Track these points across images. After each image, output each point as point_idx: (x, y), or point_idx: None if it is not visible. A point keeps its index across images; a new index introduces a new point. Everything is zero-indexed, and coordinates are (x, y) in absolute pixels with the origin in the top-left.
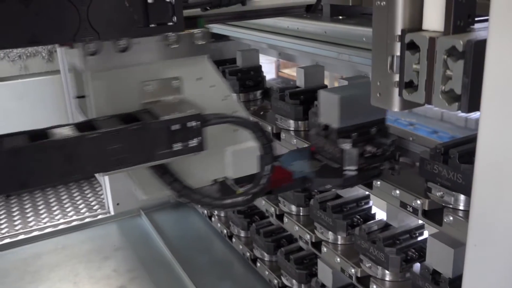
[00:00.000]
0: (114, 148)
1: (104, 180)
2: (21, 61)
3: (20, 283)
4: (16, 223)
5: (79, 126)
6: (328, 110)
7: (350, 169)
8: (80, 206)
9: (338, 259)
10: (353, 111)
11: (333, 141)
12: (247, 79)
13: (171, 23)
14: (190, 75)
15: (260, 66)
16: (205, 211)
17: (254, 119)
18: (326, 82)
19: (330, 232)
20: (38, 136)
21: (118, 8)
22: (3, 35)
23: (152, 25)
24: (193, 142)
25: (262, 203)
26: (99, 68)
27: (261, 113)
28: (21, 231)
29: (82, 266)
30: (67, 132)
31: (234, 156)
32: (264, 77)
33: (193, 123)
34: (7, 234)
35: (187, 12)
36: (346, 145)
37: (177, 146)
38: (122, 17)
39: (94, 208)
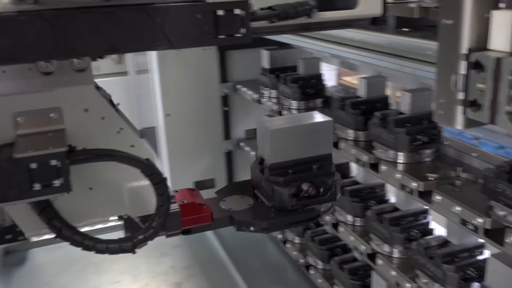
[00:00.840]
0: None
1: None
2: (94, 63)
3: (84, 272)
4: None
5: None
6: (263, 142)
7: (280, 211)
8: None
9: (393, 273)
10: (292, 145)
11: (266, 177)
12: (308, 87)
13: (239, 35)
14: (75, 106)
15: (321, 75)
16: None
17: (149, 156)
18: (388, 93)
19: (386, 245)
20: None
21: (191, 20)
22: (86, 44)
23: (221, 36)
24: (56, 182)
25: None
26: None
27: None
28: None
29: (142, 261)
30: None
31: (132, 193)
32: (325, 86)
33: (55, 162)
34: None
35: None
36: (278, 184)
37: (37, 186)
38: (194, 28)
39: None
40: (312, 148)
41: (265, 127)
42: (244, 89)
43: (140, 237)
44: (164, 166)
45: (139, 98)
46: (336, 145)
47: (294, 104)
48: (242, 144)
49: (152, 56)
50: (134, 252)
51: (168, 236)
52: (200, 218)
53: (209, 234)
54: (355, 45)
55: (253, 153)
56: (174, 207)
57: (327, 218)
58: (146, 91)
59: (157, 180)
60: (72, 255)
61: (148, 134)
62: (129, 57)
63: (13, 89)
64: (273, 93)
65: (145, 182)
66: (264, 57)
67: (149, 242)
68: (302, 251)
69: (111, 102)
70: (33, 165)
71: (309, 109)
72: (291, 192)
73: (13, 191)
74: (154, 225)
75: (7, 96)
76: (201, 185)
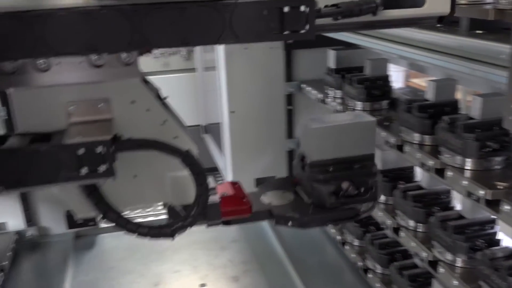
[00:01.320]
0: (13, 167)
1: (227, 174)
2: (164, 58)
3: (146, 260)
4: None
5: None
6: (305, 140)
7: (319, 208)
8: None
9: (455, 282)
10: (333, 143)
11: (306, 175)
12: (374, 88)
13: (303, 31)
14: (122, 98)
15: (388, 76)
16: None
17: (190, 147)
18: (458, 97)
19: (449, 253)
20: None
21: (257, 16)
22: (161, 37)
23: (286, 32)
24: (101, 168)
25: (378, 214)
26: (20, 86)
27: (385, 123)
28: (151, 213)
29: (202, 253)
30: None
31: (174, 182)
32: (391, 87)
33: (101, 149)
34: (139, 214)
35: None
36: (317, 181)
37: (84, 171)
38: (260, 24)
39: None
40: (354, 148)
41: (307, 124)
42: (308, 88)
43: (179, 224)
44: (227, 161)
45: (206, 94)
46: (400, 148)
47: (359, 105)
48: None
49: (220, 54)
50: (173, 238)
51: (208, 225)
52: (239, 211)
53: (268, 230)
54: (425, 46)
55: None
56: (215, 198)
57: (388, 222)
58: (213, 87)
59: (197, 170)
60: (136, 242)
61: (213, 129)
62: (197, 54)
63: (66, 80)
64: (338, 93)
65: (187, 173)
66: (330, 57)
67: (213, 233)
68: (361, 254)
69: (158, 95)
70: (81, 151)
71: (374, 110)
72: (330, 190)
73: (62, 174)
74: (193, 213)
75: (61, 87)
76: (263, 182)
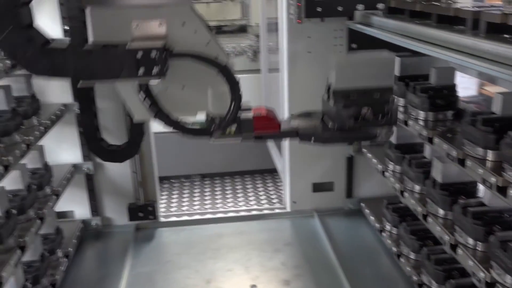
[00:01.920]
0: (89, 63)
1: (285, 177)
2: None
3: (202, 256)
4: (206, 203)
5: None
6: (333, 72)
7: (340, 130)
8: (261, 197)
9: None
10: (355, 74)
11: (330, 102)
12: (439, 98)
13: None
14: (175, 20)
15: (454, 86)
16: (377, 225)
17: (228, 63)
18: None
19: (508, 276)
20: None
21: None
22: None
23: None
24: (155, 70)
25: (436, 228)
26: (97, 4)
27: (448, 135)
28: (209, 210)
29: (255, 254)
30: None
31: (214, 95)
32: (457, 97)
33: (155, 54)
34: (198, 211)
35: None
36: (339, 105)
37: (141, 71)
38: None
39: (273, 201)
40: (374, 80)
41: (335, 58)
42: None
43: (215, 126)
44: (285, 165)
45: (269, 95)
46: (462, 162)
47: (421, 114)
48: (364, 149)
49: (283, 56)
50: (210, 136)
51: (243, 140)
52: (269, 127)
53: (322, 236)
54: (493, 58)
55: (375, 160)
56: (249, 115)
57: (446, 237)
58: (276, 89)
59: (232, 81)
60: (193, 239)
61: None
62: (263, 55)
63: (134, 2)
64: (401, 101)
65: (225, 89)
66: (396, 64)
67: (268, 235)
68: (417, 268)
69: (208, 26)
70: (139, 55)
71: (438, 121)
72: (350, 113)
73: (125, 72)
74: (228, 118)
75: (129, 9)
76: (320, 187)
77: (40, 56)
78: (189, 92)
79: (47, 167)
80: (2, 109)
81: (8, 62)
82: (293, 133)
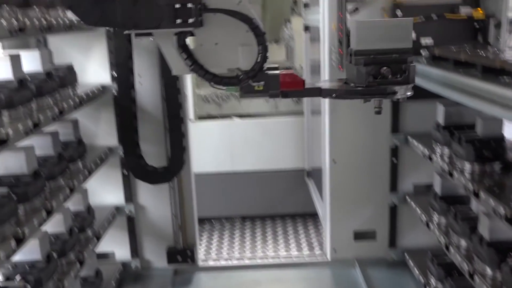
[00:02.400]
0: (134, 13)
1: (326, 224)
2: (273, 100)
3: None
4: (246, 246)
5: None
6: (353, 34)
7: (359, 85)
8: (302, 243)
9: None
10: (375, 36)
11: (351, 62)
12: (485, 149)
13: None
14: None
15: (503, 137)
16: (422, 279)
17: (256, 20)
18: None
19: None
20: None
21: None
22: None
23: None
24: (191, 20)
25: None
26: None
27: (496, 190)
28: (249, 255)
29: None
30: None
31: (244, 51)
32: (506, 149)
33: (191, 5)
34: (237, 255)
35: None
36: (358, 64)
37: (179, 21)
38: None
39: (314, 246)
40: (393, 41)
41: (354, 20)
42: (415, 142)
43: (244, 75)
44: (326, 210)
45: (311, 138)
46: (510, 221)
47: (467, 166)
48: (408, 198)
49: (326, 99)
50: (239, 84)
51: (270, 96)
52: (294, 84)
53: (363, 287)
54: None
55: (419, 210)
56: (276, 72)
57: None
58: (317, 132)
59: (259, 33)
60: (231, 285)
61: (316, 174)
62: (306, 98)
63: None
64: (446, 151)
65: (253, 44)
66: (440, 112)
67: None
68: None
69: None
70: (177, 5)
71: (484, 174)
72: (368, 71)
73: (164, 22)
74: (255, 67)
75: None
76: (361, 235)
77: (92, 6)
78: (222, 48)
79: (89, 210)
80: (49, 154)
81: (56, 109)
82: (317, 91)
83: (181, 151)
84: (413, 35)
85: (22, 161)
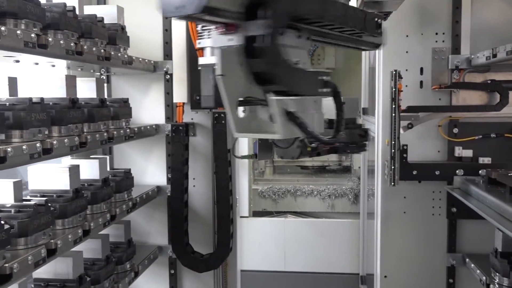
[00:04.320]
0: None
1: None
2: (330, 200)
3: None
4: None
5: None
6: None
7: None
8: None
9: None
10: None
11: None
12: None
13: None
14: None
15: None
16: None
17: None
18: None
19: None
20: None
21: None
22: None
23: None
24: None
25: None
26: None
27: None
28: None
29: None
30: None
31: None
32: None
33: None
34: None
35: None
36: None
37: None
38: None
39: None
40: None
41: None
42: (473, 265)
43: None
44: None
45: (366, 243)
46: None
47: None
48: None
49: (378, 203)
50: (335, 137)
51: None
52: None
53: None
54: None
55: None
56: None
57: None
58: (371, 237)
59: (338, 99)
60: None
61: (370, 281)
62: (362, 198)
63: None
64: (505, 281)
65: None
66: (497, 237)
67: None
68: None
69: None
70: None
71: None
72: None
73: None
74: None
75: None
76: None
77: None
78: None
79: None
80: (97, 258)
81: (109, 215)
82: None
83: (226, 251)
84: (470, 152)
85: (69, 267)
